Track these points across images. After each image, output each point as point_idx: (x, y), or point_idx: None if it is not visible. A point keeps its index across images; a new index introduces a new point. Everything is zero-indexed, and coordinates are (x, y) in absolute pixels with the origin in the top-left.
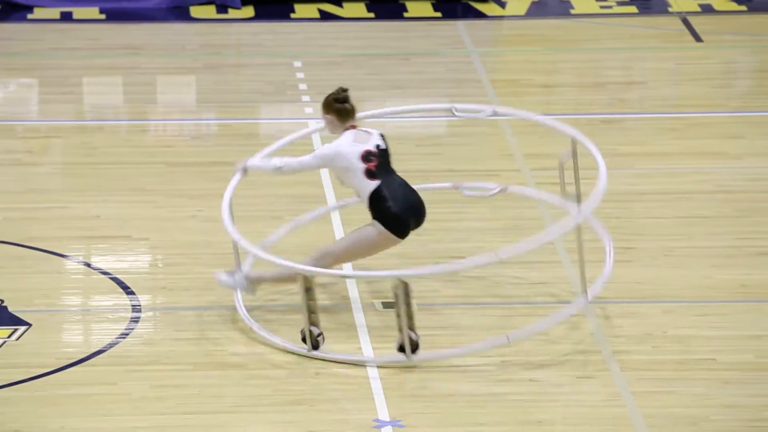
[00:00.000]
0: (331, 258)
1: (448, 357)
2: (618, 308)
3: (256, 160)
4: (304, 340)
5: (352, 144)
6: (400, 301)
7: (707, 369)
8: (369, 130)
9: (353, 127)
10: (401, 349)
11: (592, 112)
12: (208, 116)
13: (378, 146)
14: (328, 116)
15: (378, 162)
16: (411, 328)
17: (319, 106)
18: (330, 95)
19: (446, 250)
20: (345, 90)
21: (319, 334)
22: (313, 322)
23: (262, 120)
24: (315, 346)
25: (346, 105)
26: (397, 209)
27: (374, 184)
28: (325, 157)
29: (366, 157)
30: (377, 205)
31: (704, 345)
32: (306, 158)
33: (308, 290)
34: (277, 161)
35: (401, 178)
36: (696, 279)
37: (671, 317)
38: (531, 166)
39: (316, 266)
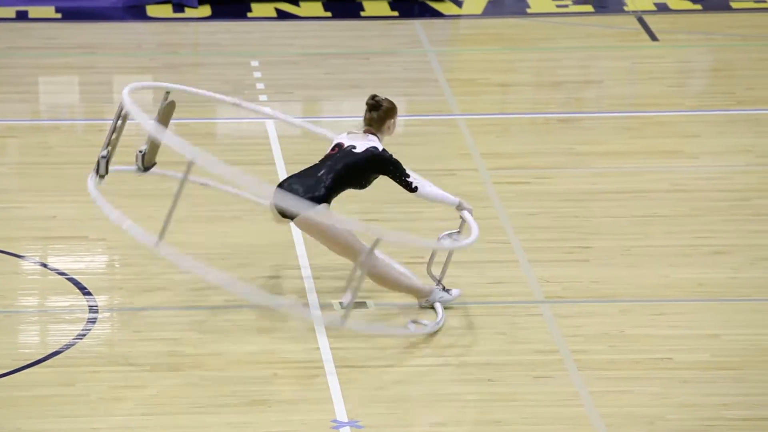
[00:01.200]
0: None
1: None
2: (575, 308)
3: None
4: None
5: (338, 136)
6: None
7: (664, 368)
8: (370, 134)
9: (369, 131)
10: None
11: (549, 111)
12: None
13: (351, 146)
14: None
15: (331, 153)
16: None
17: (277, 105)
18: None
19: (406, 251)
20: (372, 97)
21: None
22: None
23: (219, 119)
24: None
25: (365, 112)
26: None
27: None
28: None
29: (333, 147)
30: None
31: (661, 344)
32: None
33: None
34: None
35: (312, 169)
36: (653, 278)
37: (628, 316)
38: (488, 166)
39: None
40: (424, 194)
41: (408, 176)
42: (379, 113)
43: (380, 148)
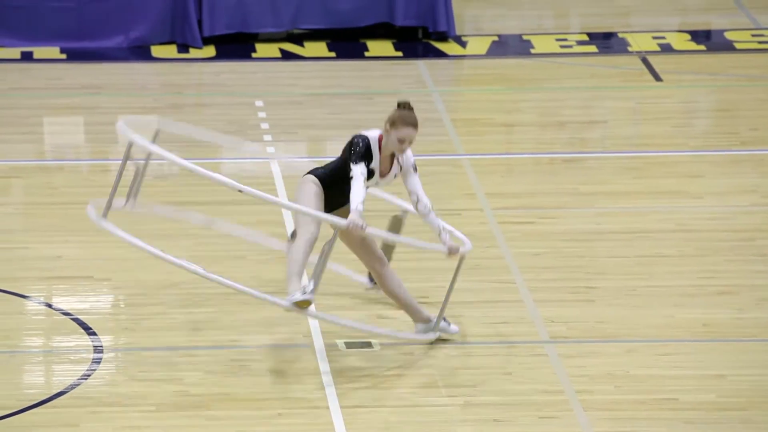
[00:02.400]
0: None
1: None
2: (580, 347)
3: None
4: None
5: None
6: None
7: (670, 409)
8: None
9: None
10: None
11: (553, 152)
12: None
13: None
14: None
15: None
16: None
17: (281, 145)
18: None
19: (411, 290)
20: (409, 102)
21: None
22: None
23: (224, 160)
24: None
25: None
26: None
27: None
28: None
29: None
30: None
31: (666, 384)
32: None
33: None
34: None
35: None
36: (658, 318)
37: (633, 356)
38: (493, 206)
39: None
40: (351, 186)
41: (355, 163)
42: (390, 114)
43: (360, 133)
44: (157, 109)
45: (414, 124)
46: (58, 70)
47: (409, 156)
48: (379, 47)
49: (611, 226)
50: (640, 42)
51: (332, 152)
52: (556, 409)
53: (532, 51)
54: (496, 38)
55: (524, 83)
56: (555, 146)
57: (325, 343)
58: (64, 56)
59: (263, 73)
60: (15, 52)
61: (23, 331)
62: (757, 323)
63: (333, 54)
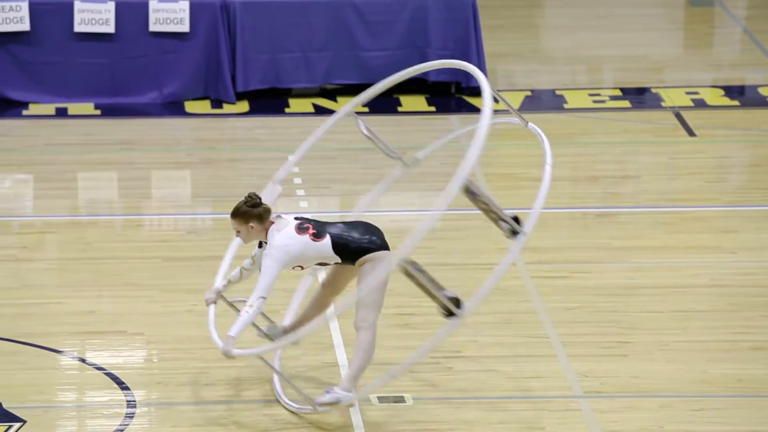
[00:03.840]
0: (372, 315)
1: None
2: (614, 402)
3: (236, 329)
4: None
5: (283, 230)
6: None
7: None
8: (280, 214)
9: (271, 222)
10: (448, 313)
11: (586, 206)
12: (203, 211)
13: (301, 217)
14: (249, 224)
15: (312, 225)
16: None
17: (314, 200)
18: (243, 204)
19: (441, 344)
20: (252, 195)
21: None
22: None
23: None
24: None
25: (262, 206)
26: (362, 235)
27: (327, 240)
28: (281, 260)
29: (300, 228)
30: (348, 248)
31: None
32: (265, 280)
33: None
34: (246, 316)
35: (340, 223)
36: (692, 373)
37: (667, 412)
38: (526, 260)
39: (370, 332)
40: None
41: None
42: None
43: None
44: (191, 164)
45: (231, 214)
46: (92, 126)
47: (270, 245)
48: (412, 102)
49: (645, 280)
50: (673, 97)
51: (364, 207)
52: None
53: (565, 106)
54: (529, 93)
55: (557, 138)
56: (588, 201)
57: (358, 398)
58: (98, 112)
59: (297, 128)
60: (50, 108)
61: (56, 385)
62: None
63: (366, 109)
